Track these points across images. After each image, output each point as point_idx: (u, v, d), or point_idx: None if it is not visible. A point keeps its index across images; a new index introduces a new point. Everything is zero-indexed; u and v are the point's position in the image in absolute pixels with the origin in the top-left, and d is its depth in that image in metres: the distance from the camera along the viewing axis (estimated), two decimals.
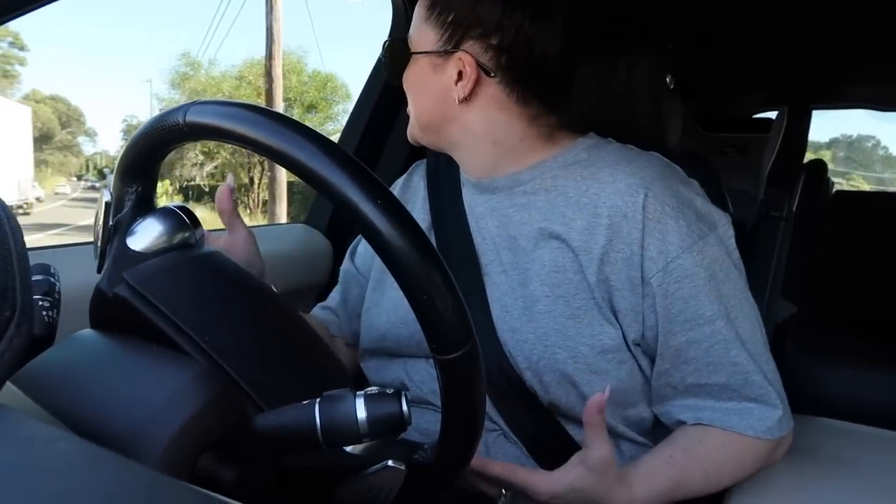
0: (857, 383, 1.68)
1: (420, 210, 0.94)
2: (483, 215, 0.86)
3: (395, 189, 1.01)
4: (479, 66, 0.81)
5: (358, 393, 0.47)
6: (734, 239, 0.82)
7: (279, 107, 11.62)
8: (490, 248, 0.85)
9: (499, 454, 0.80)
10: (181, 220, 0.58)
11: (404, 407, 0.47)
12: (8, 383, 0.33)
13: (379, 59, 1.39)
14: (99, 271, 0.57)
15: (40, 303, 0.55)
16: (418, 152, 1.03)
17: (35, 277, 0.56)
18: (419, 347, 0.84)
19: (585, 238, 0.78)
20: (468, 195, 0.89)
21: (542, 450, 0.79)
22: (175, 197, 21.19)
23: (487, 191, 0.87)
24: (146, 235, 0.56)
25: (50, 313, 0.55)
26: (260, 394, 0.50)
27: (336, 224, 1.41)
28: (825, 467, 0.79)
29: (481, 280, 0.82)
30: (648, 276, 0.76)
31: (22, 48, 41.64)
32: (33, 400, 0.42)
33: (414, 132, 0.92)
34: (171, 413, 0.45)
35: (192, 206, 0.92)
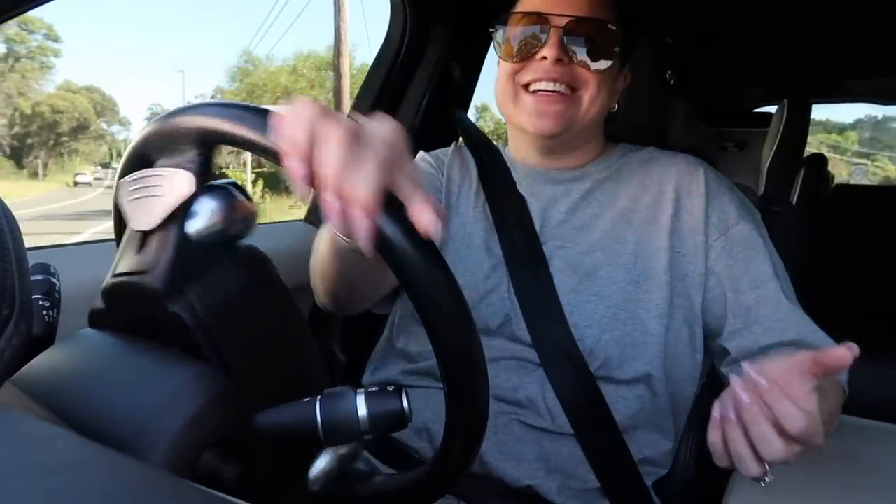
0: (858, 377, 1.68)
1: (471, 195, 0.94)
2: (546, 201, 0.90)
3: (444, 164, 0.98)
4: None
5: (358, 390, 0.47)
6: None
7: (347, 101, 11.96)
8: (552, 228, 0.88)
9: (532, 440, 0.80)
10: (238, 203, 0.53)
11: (405, 404, 0.47)
12: (8, 382, 0.33)
13: (383, 50, 1.38)
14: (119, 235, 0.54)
15: (40, 302, 0.55)
16: (418, 146, 1.03)
17: (35, 277, 0.56)
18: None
19: (652, 211, 0.86)
20: (529, 183, 0.92)
21: (582, 424, 0.79)
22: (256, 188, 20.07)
23: (553, 181, 0.91)
24: (204, 221, 0.51)
25: (50, 313, 0.55)
26: (260, 396, 0.50)
27: None
28: (826, 461, 0.79)
29: (542, 256, 0.85)
30: (712, 241, 0.83)
31: (56, 40, 41.52)
32: (34, 399, 0.42)
33: (570, 126, 0.85)
34: (172, 411, 0.45)
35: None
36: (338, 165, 0.41)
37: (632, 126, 1.00)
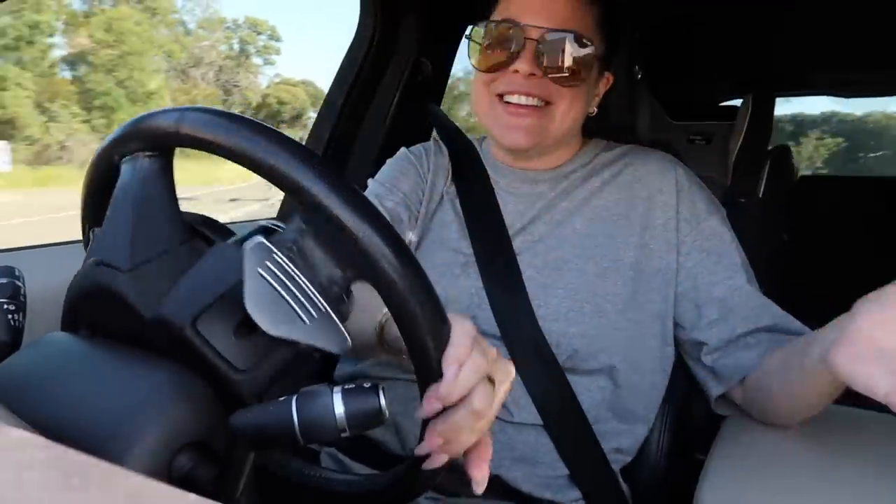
0: None
1: (444, 190, 0.94)
2: (522, 199, 0.91)
3: (427, 159, 0.98)
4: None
5: (335, 388, 0.47)
6: None
7: None
8: (525, 224, 0.88)
9: (511, 436, 0.81)
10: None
11: (382, 401, 0.47)
12: None
13: (353, 46, 1.37)
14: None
15: (5, 306, 0.53)
16: (391, 142, 1.03)
17: (0, 280, 0.55)
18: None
19: (623, 208, 0.87)
20: (508, 182, 0.93)
21: (552, 415, 0.80)
22: None
23: (530, 181, 0.92)
24: None
25: (15, 317, 0.54)
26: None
27: None
28: (796, 444, 0.81)
29: (511, 251, 0.85)
30: (683, 236, 0.86)
31: (278, 39, 45.35)
32: (2, 404, 0.41)
33: (541, 138, 0.85)
34: (145, 413, 0.44)
35: None
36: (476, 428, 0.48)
37: (600, 121, 1.01)
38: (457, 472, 0.80)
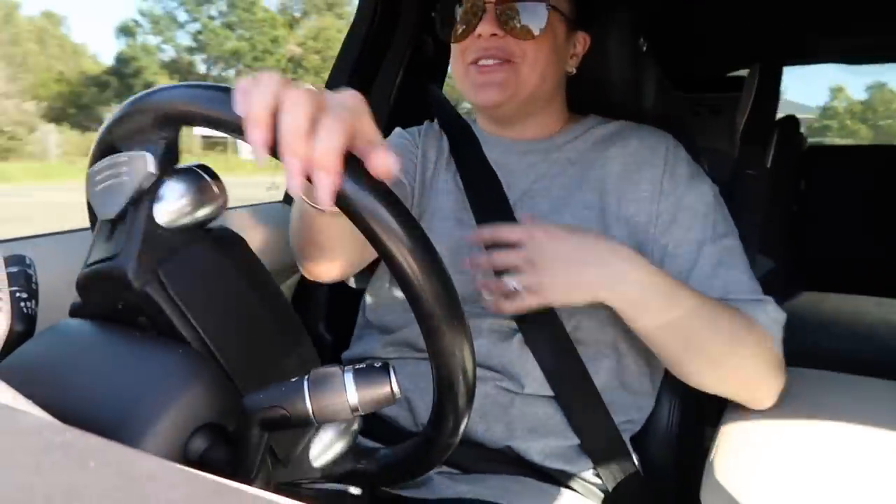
0: (835, 337, 1.72)
1: (442, 169, 0.96)
2: (515, 171, 0.92)
3: (419, 140, 1.00)
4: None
5: (346, 368, 0.47)
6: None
7: None
8: (521, 197, 0.90)
9: (522, 409, 0.82)
10: (206, 185, 0.52)
11: (393, 380, 0.47)
12: None
13: (355, 26, 1.36)
14: (91, 222, 0.54)
15: (17, 294, 0.54)
16: (393, 122, 1.02)
17: (10, 269, 0.55)
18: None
19: (616, 181, 0.88)
20: (498, 154, 0.93)
21: (563, 386, 0.81)
22: None
23: (520, 152, 0.94)
24: (172, 205, 0.50)
25: (28, 304, 0.54)
26: (245, 382, 0.50)
27: None
28: (805, 414, 0.82)
29: (515, 222, 0.86)
30: (661, 208, 0.86)
31: None
32: (15, 391, 0.41)
33: (513, 94, 0.87)
34: (160, 396, 0.45)
35: None
36: (299, 129, 0.42)
37: (605, 94, 1.00)
38: (468, 445, 0.82)
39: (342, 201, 0.44)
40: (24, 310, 0.54)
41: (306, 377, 0.47)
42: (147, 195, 0.50)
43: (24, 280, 0.55)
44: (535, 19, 0.85)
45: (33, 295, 0.55)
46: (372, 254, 0.86)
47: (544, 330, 0.81)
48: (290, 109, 0.42)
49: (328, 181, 0.42)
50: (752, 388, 0.81)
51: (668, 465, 0.93)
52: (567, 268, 0.74)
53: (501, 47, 0.86)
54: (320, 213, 0.67)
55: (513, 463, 0.82)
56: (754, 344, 0.78)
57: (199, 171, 0.52)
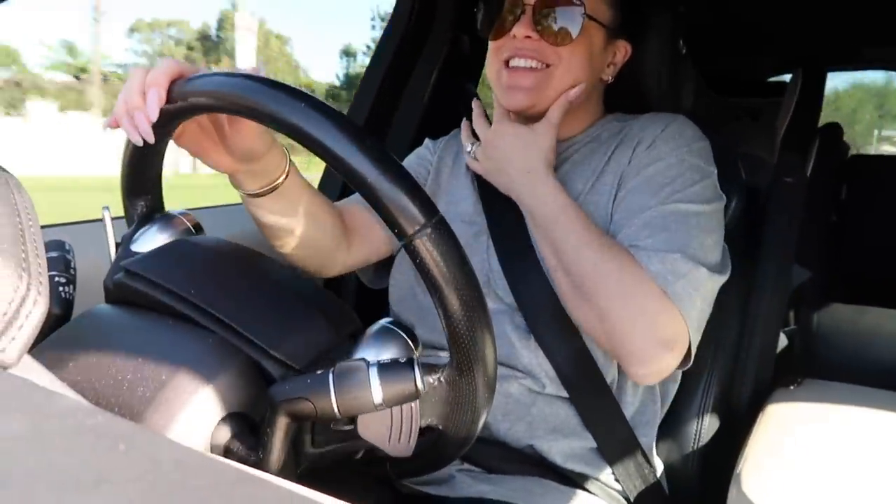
0: (875, 349, 1.68)
1: (461, 171, 0.97)
2: None
3: (439, 149, 1.03)
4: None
5: (371, 363, 0.48)
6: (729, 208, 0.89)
7: None
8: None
9: (541, 407, 0.82)
10: (183, 225, 0.62)
11: (417, 375, 0.47)
12: (27, 356, 0.34)
13: (392, 23, 1.37)
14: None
15: (56, 279, 0.55)
16: (428, 119, 1.02)
17: (50, 254, 0.57)
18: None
19: (627, 171, 0.85)
20: None
21: (575, 385, 0.81)
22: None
23: None
24: (148, 241, 0.60)
25: (66, 289, 0.56)
26: (270, 343, 0.51)
27: (347, 195, 1.40)
28: (837, 429, 0.80)
29: (523, 221, 0.86)
30: (632, 176, 0.84)
31: None
32: (52, 373, 0.43)
33: (541, 100, 0.87)
34: (189, 383, 0.46)
35: None
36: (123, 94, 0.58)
37: (642, 97, 0.98)
38: (491, 444, 0.81)
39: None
40: (63, 294, 0.55)
41: (332, 370, 0.47)
42: (123, 243, 0.62)
43: (63, 265, 0.56)
44: (571, 25, 0.85)
45: (71, 280, 0.56)
46: (349, 236, 0.90)
47: (553, 326, 0.81)
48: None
49: (152, 99, 0.56)
50: (626, 346, 0.75)
51: (692, 476, 0.92)
52: (500, 157, 0.86)
53: (535, 49, 0.85)
54: (253, 199, 0.76)
55: (535, 463, 0.81)
56: (639, 301, 0.74)
57: (171, 213, 0.65)
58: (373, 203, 0.46)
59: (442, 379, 0.51)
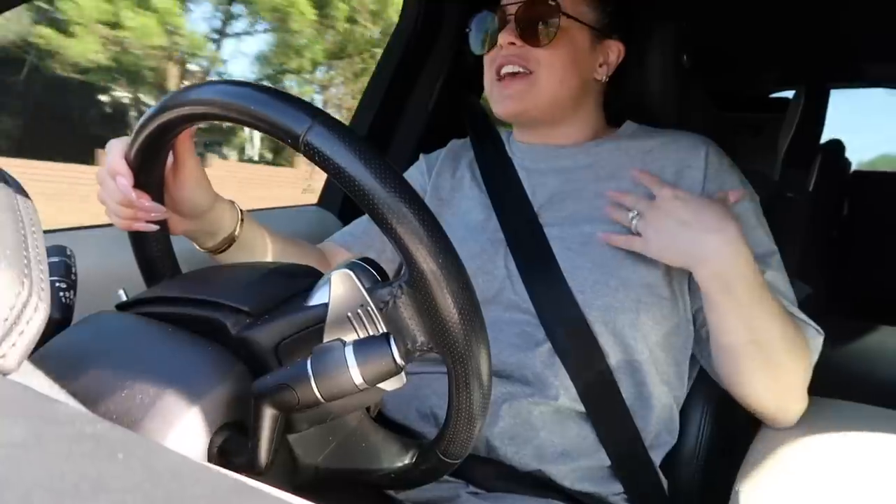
0: (877, 367, 1.67)
1: (466, 182, 0.98)
2: (546, 175, 0.93)
3: (434, 166, 1.04)
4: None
5: (346, 342, 0.47)
6: None
7: None
8: (549, 198, 0.91)
9: (552, 419, 0.81)
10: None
11: (394, 348, 0.47)
12: (26, 362, 0.34)
13: (396, 35, 1.38)
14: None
15: (57, 284, 0.55)
16: (431, 132, 1.02)
17: (51, 259, 0.57)
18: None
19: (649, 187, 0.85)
20: (529, 161, 0.96)
21: (593, 397, 0.80)
22: None
23: (551, 156, 0.95)
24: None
25: (67, 294, 0.56)
26: (218, 295, 0.53)
27: (348, 206, 1.41)
28: (836, 447, 0.79)
29: (538, 224, 0.87)
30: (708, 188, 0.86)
31: None
32: (51, 379, 0.42)
33: (531, 104, 0.90)
34: (187, 392, 0.46)
35: None
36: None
37: (645, 108, 0.99)
38: (497, 466, 0.80)
39: None
40: (63, 299, 0.55)
41: (310, 356, 0.47)
42: None
43: (64, 270, 0.56)
44: (549, 26, 0.88)
45: (72, 286, 0.56)
46: None
47: (573, 337, 0.80)
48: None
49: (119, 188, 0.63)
50: (790, 400, 0.82)
51: (694, 491, 0.91)
52: (671, 228, 0.78)
53: (518, 54, 0.89)
54: (218, 257, 0.78)
55: (542, 486, 0.79)
56: (803, 356, 0.80)
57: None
58: (259, 128, 0.49)
59: (401, 287, 0.49)
